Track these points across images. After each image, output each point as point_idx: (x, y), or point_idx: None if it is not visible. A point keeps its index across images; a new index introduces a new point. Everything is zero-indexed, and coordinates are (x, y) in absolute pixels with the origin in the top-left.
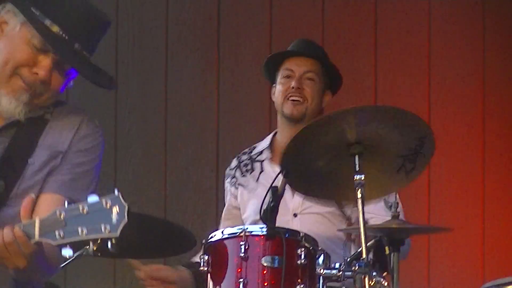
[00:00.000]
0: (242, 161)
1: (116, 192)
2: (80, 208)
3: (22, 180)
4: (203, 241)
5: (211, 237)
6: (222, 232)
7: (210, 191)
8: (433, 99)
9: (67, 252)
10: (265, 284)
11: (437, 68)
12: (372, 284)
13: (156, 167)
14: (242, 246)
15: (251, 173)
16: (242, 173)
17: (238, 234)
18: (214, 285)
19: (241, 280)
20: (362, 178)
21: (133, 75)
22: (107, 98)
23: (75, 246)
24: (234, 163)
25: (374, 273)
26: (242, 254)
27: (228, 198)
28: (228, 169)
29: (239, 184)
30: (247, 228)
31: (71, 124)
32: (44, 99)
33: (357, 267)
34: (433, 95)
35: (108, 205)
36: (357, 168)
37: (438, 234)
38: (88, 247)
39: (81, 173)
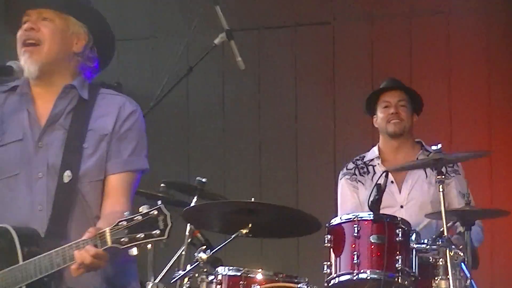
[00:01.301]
0: (359, 165)
1: (159, 202)
2: (136, 219)
3: (82, 164)
4: (326, 224)
5: (332, 222)
6: (340, 218)
7: (329, 188)
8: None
9: (133, 251)
10: (373, 256)
11: (496, 93)
12: (451, 255)
13: (289, 170)
14: (355, 228)
15: (367, 174)
16: (360, 174)
17: (352, 219)
18: (335, 257)
19: (355, 253)
20: (443, 177)
21: (271, 105)
22: (254, 123)
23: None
24: (351, 165)
25: (453, 247)
26: (356, 234)
27: (345, 189)
28: (345, 169)
29: (358, 181)
30: (358, 215)
31: (113, 108)
32: (47, 50)
33: (440, 242)
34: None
35: (155, 214)
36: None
37: (501, 217)
38: (243, 230)
39: (134, 147)
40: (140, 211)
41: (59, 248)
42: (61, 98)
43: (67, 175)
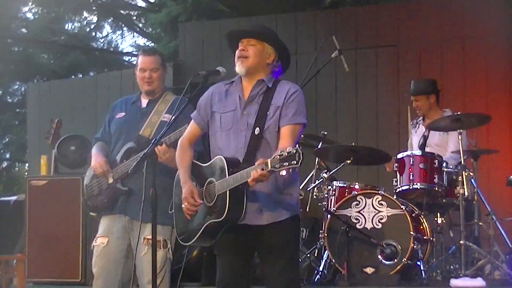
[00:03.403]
0: (413, 123)
1: (296, 146)
2: (284, 154)
3: (265, 123)
4: (394, 157)
5: (398, 156)
6: (402, 154)
7: (394, 136)
8: (490, 89)
9: (283, 173)
10: (421, 175)
11: (494, 70)
12: (466, 174)
13: (373, 128)
14: (411, 159)
15: (415, 127)
16: (413, 127)
17: (409, 154)
18: (399, 176)
19: (411, 173)
20: (460, 131)
21: (363, 92)
22: (351, 104)
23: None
24: (410, 123)
25: (466, 169)
26: (411, 163)
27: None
28: (409, 125)
29: (410, 132)
30: (413, 152)
31: (284, 90)
32: (251, 61)
33: (459, 167)
34: (490, 85)
35: (294, 152)
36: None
37: (494, 154)
38: (347, 161)
39: (295, 111)
40: (287, 150)
41: (247, 168)
42: (255, 87)
43: (257, 130)
